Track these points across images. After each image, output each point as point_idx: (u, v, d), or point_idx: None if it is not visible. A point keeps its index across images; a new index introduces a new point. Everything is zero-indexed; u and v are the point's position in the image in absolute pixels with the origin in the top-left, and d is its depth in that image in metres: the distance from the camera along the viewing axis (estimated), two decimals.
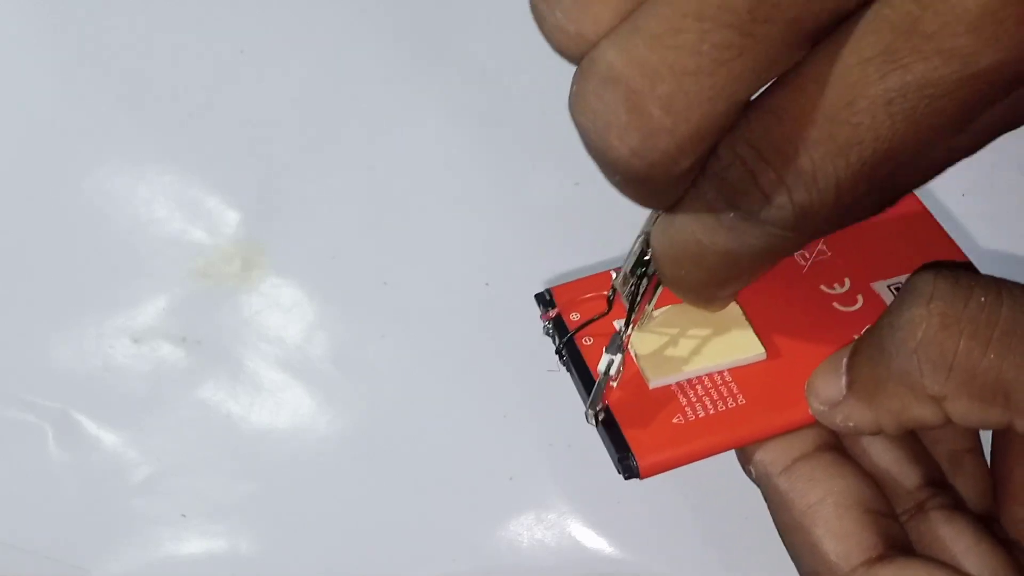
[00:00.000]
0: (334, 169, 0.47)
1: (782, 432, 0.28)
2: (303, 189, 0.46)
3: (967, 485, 0.29)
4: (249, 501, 0.41)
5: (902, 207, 0.32)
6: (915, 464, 0.29)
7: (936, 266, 0.27)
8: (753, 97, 0.21)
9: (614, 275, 0.28)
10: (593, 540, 0.40)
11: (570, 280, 0.31)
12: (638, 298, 0.27)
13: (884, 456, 0.29)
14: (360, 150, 0.47)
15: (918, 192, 0.41)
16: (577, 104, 0.20)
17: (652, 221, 0.25)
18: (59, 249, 0.45)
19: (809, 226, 0.22)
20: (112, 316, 0.44)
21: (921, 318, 0.24)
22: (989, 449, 0.29)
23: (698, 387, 0.28)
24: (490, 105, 0.48)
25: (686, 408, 0.28)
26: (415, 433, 0.42)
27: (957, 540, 0.27)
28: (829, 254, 0.31)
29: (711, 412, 0.28)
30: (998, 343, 0.23)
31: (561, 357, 0.30)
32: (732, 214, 0.22)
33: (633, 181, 0.21)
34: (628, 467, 0.27)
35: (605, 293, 0.30)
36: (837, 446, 0.28)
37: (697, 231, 0.23)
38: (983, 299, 0.24)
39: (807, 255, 0.31)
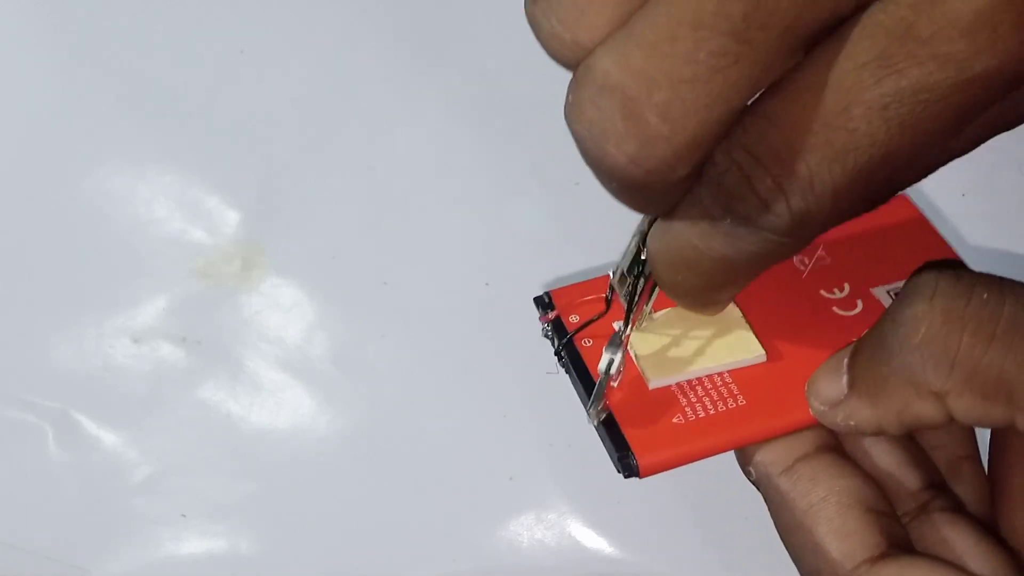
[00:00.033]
0: (334, 169, 0.47)
1: (783, 433, 0.28)
2: (303, 189, 0.46)
3: (965, 492, 0.29)
4: (249, 501, 0.41)
5: (900, 214, 0.32)
6: (916, 467, 0.29)
7: (938, 264, 0.27)
8: (748, 103, 0.21)
9: (611, 274, 0.28)
10: (593, 540, 0.40)
11: (569, 281, 0.31)
12: (636, 297, 0.27)
13: (885, 458, 0.29)
14: (360, 150, 0.47)
15: (918, 192, 0.41)
16: (573, 112, 0.20)
17: (648, 220, 0.25)
18: (59, 249, 0.45)
19: (806, 231, 0.22)
20: (112, 316, 0.44)
21: (924, 314, 0.24)
22: (986, 457, 0.29)
23: (698, 388, 0.28)
24: (490, 105, 0.48)
25: (686, 408, 0.28)
26: (415, 433, 0.42)
27: (959, 540, 0.27)
28: (828, 260, 0.31)
29: (711, 412, 0.28)
30: (1001, 339, 0.23)
31: (560, 359, 0.30)
32: (729, 220, 0.22)
33: (630, 188, 0.21)
34: (628, 466, 0.27)
35: (604, 295, 0.30)
36: (837, 448, 0.28)
37: (693, 237, 0.23)
38: (985, 296, 0.24)
39: (806, 261, 0.31)
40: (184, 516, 0.41)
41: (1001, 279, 0.25)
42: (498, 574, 0.40)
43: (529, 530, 0.40)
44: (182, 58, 0.48)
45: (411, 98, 0.48)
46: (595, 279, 0.31)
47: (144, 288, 0.44)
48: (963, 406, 0.24)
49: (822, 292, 0.31)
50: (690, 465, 0.28)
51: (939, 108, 0.20)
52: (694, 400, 0.28)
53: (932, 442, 0.30)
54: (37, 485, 0.41)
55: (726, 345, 0.29)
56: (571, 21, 0.20)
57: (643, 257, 0.26)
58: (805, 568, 0.27)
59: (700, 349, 0.29)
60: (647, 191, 0.21)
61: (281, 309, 0.44)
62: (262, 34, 0.49)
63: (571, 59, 0.20)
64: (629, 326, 0.28)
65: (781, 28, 0.19)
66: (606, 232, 0.41)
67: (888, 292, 0.30)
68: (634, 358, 0.29)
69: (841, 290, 0.31)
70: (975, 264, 0.30)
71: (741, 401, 0.28)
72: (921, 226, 0.32)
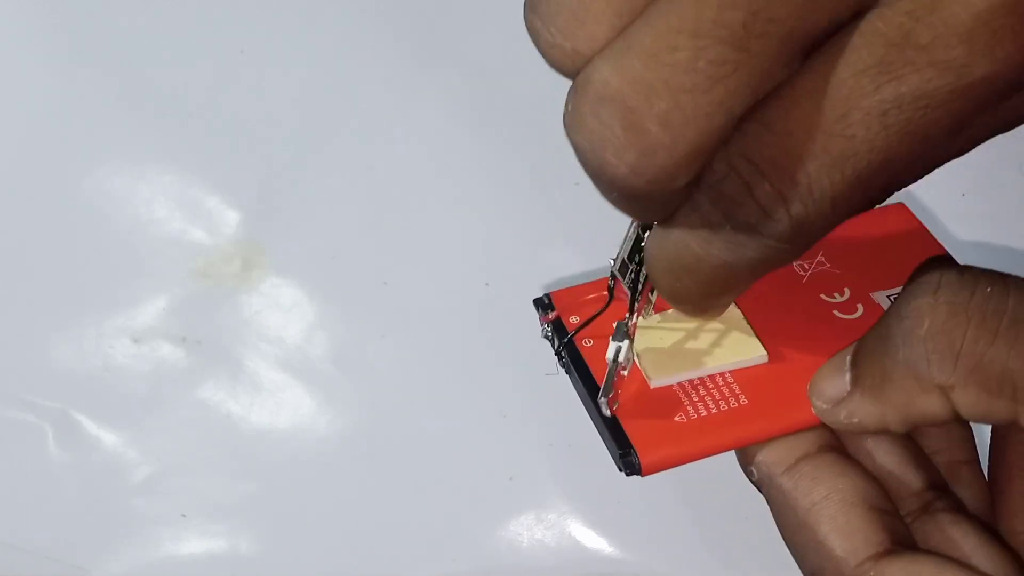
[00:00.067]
0: (334, 169, 0.47)
1: (784, 433, 0.28)
2: (303, 189, 0.46)
3: (964, 497, 0.29)
4: (249, 501, 0.41)
5: (899, 223, 0.32)
6: (918, 467, 0.28)
7: (942, 260, 0.27)
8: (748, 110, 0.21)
9: (612, 262, 0.28)
10: (593, 540, 0.40)
11: (569, 281, 0.31)
12: (640, 285, 0.27)
13: (887, 458, 0.28)
14: (360, 150, 0.47)
15: (918, 192, 0.41)
16: (572, 122, 0.20)
17: None
18: (59, 249, 0.45)
19: (805, 237, 0.22)
20: (112, 316, 0.44)
21: (928, 307, 0.24)
22: (985, 461, 0.29)
23: (700, 387, 0.28)
24: (490, 105, 0.48)
25: (688, 407, 0.28)
26: (415, 433, 0.42)
27: (963, 539, 0.27)
28: (828, 265, 0.31)
29: (713, 411, 0.28)
30: (1006, 332, 0.23)
31: (561, 359, 0.30)
32: (728, 226, 0.22)
33: (631, 198, 0.21)
34: (630, 463, 0.27)
35: (605, 290, 0.30)
36: (840, 448, 0.28)
37: (693, 243, 0.23)
38: (989, 290, 0.24)
39: (806, 266, 0.31)
40: (184, 516, 0.41)
41: (1005, 275, 0.25)
42: (498, 574, 0.40)
43: (529, 530, 0.41)
44: (182, 58, 0.48)
45: (411, 98, 0.48)
46: (595, 281, 0.31)
47: (144, 288, 0.44)
48: (967, 400, 0.24)
49: (822, 296, 0.31)
50: (690, 465, 0.28)
51: (938, 114, 0.20)
52: (696, 399, 0.28)
53: (932, 446, 0.30)
54: (37, 485, 0.41)
55: (728, 345, 0.29)
56: (570, 31, 0.20)
57: (643, 244, 0.26)
58: (808, 567, 0.27)
59: (702, 349, 0.29)
60: (647, 200, 0.21)
61: (281, 309, 0.44)
62: (262, 34, 0.49)
63: (571, 68, 0.20)
64: (635, 314, 0.28)
65: (780, 36, 0.19)
66: (606, 232, 0.41)
67: (888, 297, 0.30)
68: (635, 357, 0.29)
69: (841, 294, 0.31)
70: (975, 264, 0.30)
71: (743, 401, 0.28)
72: (920, 234, 0.32)
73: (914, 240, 0.32)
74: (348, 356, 0.43)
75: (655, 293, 0.28)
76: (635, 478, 0.27)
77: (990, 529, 0.28)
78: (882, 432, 0.27)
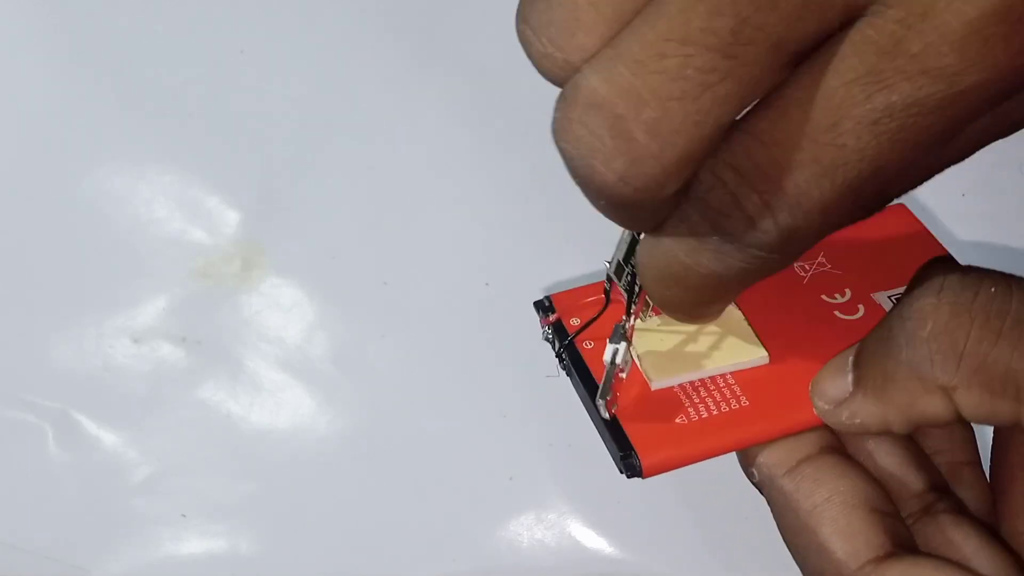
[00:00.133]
0: (334, 169, 0.47)
1: (786, 434, 0.28)
2: (303, 189, 0.46)
3: (966, 498, 0.29)
4: (249, 501, 0.41)
5: (900, 224, 0.32)
6: (919, 468, 0.28)
7: (945, 260, 0.27)
8: (736, 119, 0.21)
9: (607, 265, 0.28)
10: (593, 540, 0.40)
11: (569, 282, 0.31)
12: (636, 286, 0.27)
13: (888, 460, 0.28)
14: (360, 150, 0.47)
15: (918, 193, 0.41)
16: (560, 130, 0.20)
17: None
18: (59, 249, 0.45)
19: (794, 247, 0.22)
20: (112, 316, 0.44)
21: (932, 307, 0.24)
22: (987, 462, 0.29)
23: (701, 389, 0.28)
24: (490, 105, 0.48)
25: (689, 409, 0.28)
26: (415, 433, 0.42)
27: (964, 541, 0.27)
28: (828, 266, 0.31)
29: (714, 413, 0.28)
30: (1009, 333, 0.23)
31: (562, 361, 0.30)
32: (716, 236, 0.22)
33: (618, 206, 0.21)
34: (631, 465, 0.27)
35: (603, 290, 0.30)
36: (841, 449, 0.28)
37: (681, 253, 0.23)
38: (993, 291, 0.24)
39: (807, 267, 0.31)
40: (184, 516, 0.41)
41: (1008, 275, 0.24)
42: (498, 574, 0.40)
43: (529, 530, 0.41)
44: (182, 58, 0.48)
45: (411, 98, 0.48)
46: (596, 283, 0.31)
47: (144, 288, 0.44)
48: (970, 401, 0.24)
49: (823, 297, 0.31)
50: (691, 466, 0.28)
51: (929, 121, 0.20)
52: (697, 401, 0.28)
53: (933, 447, 0.30)
54: (37, 485, 0.41)
55: (729, 347, 0.29)
56: (562, 41, 0.20)
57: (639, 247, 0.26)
58: (809, 569, 0.27)
59: (703, 351, 0.29)
60: (636, 209, 0.21)
61: (281, 309, 0.44)
62: (262, 34, 0.49)
63: (562, 78, 0.20)
64: (632, 316, 0.28)
65: (769, 44, 0.19)
66: (606, 233, 0.41)
67: (890, 297, 0.30)
68: (636, 359, 0.29)
69: (843, 295, 0.31)
70: (975, 264, 0.30)
71: (744, 402, 0.28)
72: (921, 235, 0.32)
73: (915, 240, 0.32)
74: (348, 356, 0.43)
75: (651, 304, 0.28)
76: (635, 479, 0.27)
77: (991, 530, 0.28)
78: (884, 433, 0.27)
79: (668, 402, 0.28)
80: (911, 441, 0.29)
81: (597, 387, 0.28)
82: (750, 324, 0.29)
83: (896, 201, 0.27)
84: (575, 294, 0.31)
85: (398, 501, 0.41)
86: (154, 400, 0.42)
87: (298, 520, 0.41)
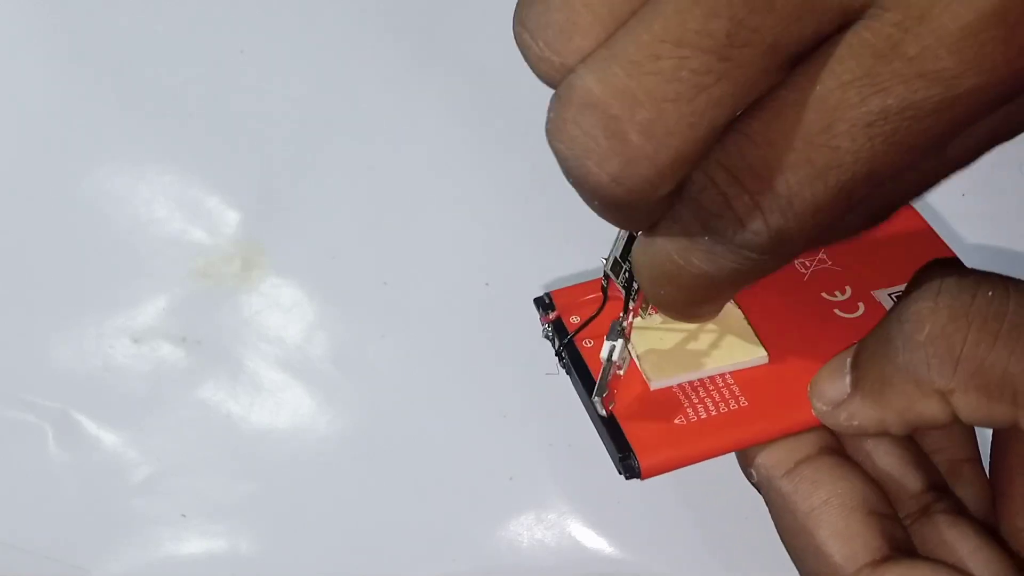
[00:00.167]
0: (334, 169, 0.47)
1: (785, 435, 0.28)
2: (303, 189, 0.46)
3: (966, 495, 0.29)
4: (249, 501, 0.41)
5: (902, 221, 0.32)
6: (918, 469, 0.28)
7: (943, 263, 0.27)
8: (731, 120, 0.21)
9: (604, 262, 0.28)
10: (593, 540, 0.40)
11: (569, 281, 0.31)
12: (634, 284, 0.27)
13: (887, 460, 0.28)
14: (360, 150, 0.47)
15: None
16: (554, 130, 0.20)
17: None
18: (59, 249, 0.45)
19: (785, 249, 0.22)
20: (112, 316, 0.44)
21: (929, 311, 0.24)
22: (987, 460, 0.29)
23: (700, 389, 0.28)
24: (490, 105, 0.48)
25: (688, 409, 0.28)
26: (415, 433, 0.42)
27: (961, 543, 0.27)
28: (829, 263, 0.31)
29: (713, 414, 0.28)
30: (1006, 336, 0.23)
31: (561, 360, 0.30)
32: (707, 237, 0.22)
33: (612, 206, 0.21)
34: (629, 467, 0.27)
35: (601, 287, 0.30)
36: (840, 450, 0.28)
37: (673, 253, 0.23)
38: (990, 294, 0.24)
39: (807, 264, 0.31)
40: (184, 516, 0.41)
41: (1006, 278, 0.24)
42: (498, 574, 0.40)
43: (529, 530, 0.41)
44: (182, 58, 0.48)
45: (411, 98, 0.48)
46: (596, 280, 0.31)
47: (144, 288, 0.44)
48: (967, 405, 0.24)
49: (823, 295, 0.30)
50: (690, 466, 0.28)
51: (925, 125, 0.20)
52: (696, 401, 0.28)
53: (933, 445, 0.30)
54: (37, 485, 0.41)
55: (728, 347, 0.29)
56: (558, 44, 0.20)
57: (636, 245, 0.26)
58: (806, 571, 0.27)
59: (702, 351, 0.29)
60: (630, 209, 0.21)
61: (281, 309, 0.44)
62: (262, 34, 0.49)
63: (559, 81, 0.20)
64: (630, 313, 0.28)
65: (764, 46, 0.19)
66: (606, 232, 0.41)
67: (890, 295, 0.30)
68: (636, 359, 0.29)
69: (843, 292, 0.31)
70: (975, 264, 0.30)
71: (743, 403, 0.28)
72: (922, 230, 0.32)
73: (916, 238, 0.32)
74: (348, 356, 0.43)
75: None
76: (634, 479, 0.27)
77: (990, 530, 0.28)
78: (882, 434, 0.27)
79: (667, 403, 0.28)
80: (910, 441, 0.29)
81: (595, 385, 0.28)
82: (749, 322, 0.29)
83: None
84: (575, 291, 0.31)
85: (398, 501, 0.41)
86: (154, 400, 0.42)
87: (298, 520, 0.41)
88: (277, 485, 0.41)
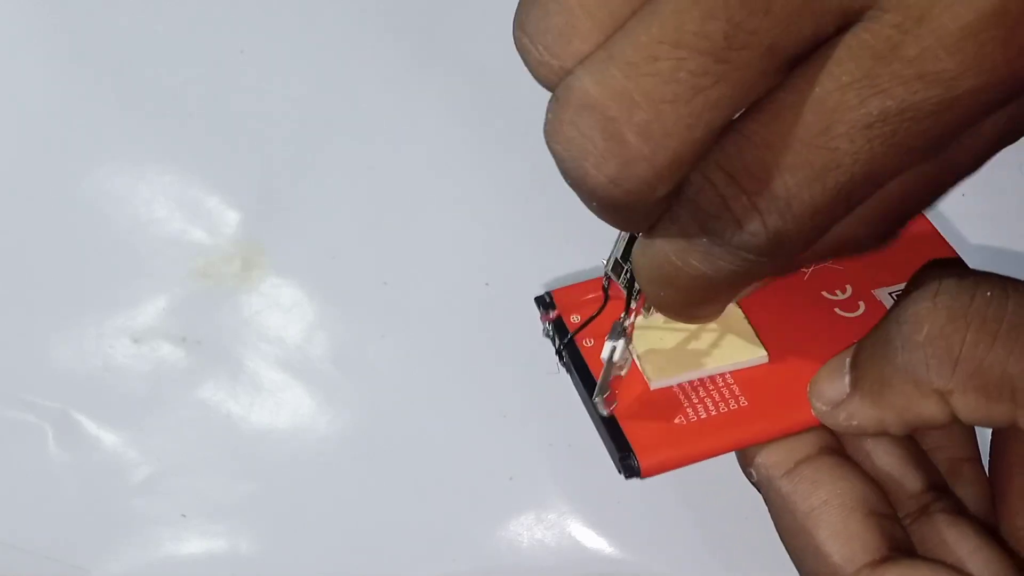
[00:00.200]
0: (334, 169, 0.47)
1: (784, 435, 0.28)
2: (303, 189, 0.46)
3: (966, 494, 0.29)
4: (249, 501, 0.41)
5: None
6: (917, 468, 0.28)
7: (942, 263, 0.27)
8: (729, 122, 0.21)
9: (605, 263, 0.28)
10: (593, 540, 0.40)
11: (569, 281, 0.31)
12: (635, 284, 0.27)
13: (886, 460, 0.28)
14: (360, 150, 0.47)
15: None
16: (552, 131, 0.20)
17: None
18: (59, 249, 0.45)
19: (783, 250, 0.22)
20: (112, 316, 0.44)
21: (927, 311, 0.24)
22: (987, 459, 0.29)
23: (700, 389, 0.28)
24: (490, 105, 0.48)
25: (688, 409, 0.28)
26: (415, 433, 0.42)
27: (961, 542, 0.27)
28: (829, 262, 0.31)
29: (713, 413, 0.28)
30: (1005, 337, 0.23)
31: (562, 359, 0.30)
32: (705, 238, 0.22)
33: (610, 208, 0.21)
34: (629, 466, 0.27)
35: (602, 288, 0.30)
36: (839, 450, 0.28)
37: (672, 254, 0.23)
38: (989, 294, 0.24)
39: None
40: (184, 516, 0.41)
41: (1005, 278, 0.25)
42: (498, 574, 0.40)
43: (529, 530, 0.40)
44: (182, 58, 0.48)
45: (411, 98, 0.48)
46: (597, 279, 0.31)
47: (144, 288, 0.44)
48: (966, 405, 0.24)
49: (824, 294, 0.30)
50: (690, 466, 0.28)
51: (924, 126, 0.20)
52: (696, 401, 0.28)
53: (933, 444, 0.30)
54: (37, 485, 0.41)
55: (728, 346, 0.29)
56: (558, 48, 0.20)
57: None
58: (806, 572, 0.27)
59: (702, 350, 0.29)
60: (628, 210, 0.21)
61: (281, 309, 0.44)
62: (262, 34, 0.49)
63: (559, 85, 0.20)
64: (631, 313, 0.28)
65: (762, 48, 0.19)
66: (606, 232, 0.41)
67: (890, 294, 0.30)
68: (636, 359, 0.29)
69: (843, 291, 0.31)
70: (975, 264, 0.30)
71: (743, 402, 0.28)
72: (925, 230, 0.32)
73: (917, 237, 0.32)
74: (348, 356, 0.43)
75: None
76: (634, 479, 0.27)
77: (989, 530, 0.28)
78: (881, 434, 0.27)
79: (667, 402, 0.28)
80: (910, 440, 0.29)
81: (596, 384, 0.28)
82: (749, 322, 0.29)
83: None
84: (576, 290, 0.31)
85: (398, 501, 0.41)
86: (154, 400, 0.42)
87: (298, 520, 0.41)
88: (277, 485, 0.41)
